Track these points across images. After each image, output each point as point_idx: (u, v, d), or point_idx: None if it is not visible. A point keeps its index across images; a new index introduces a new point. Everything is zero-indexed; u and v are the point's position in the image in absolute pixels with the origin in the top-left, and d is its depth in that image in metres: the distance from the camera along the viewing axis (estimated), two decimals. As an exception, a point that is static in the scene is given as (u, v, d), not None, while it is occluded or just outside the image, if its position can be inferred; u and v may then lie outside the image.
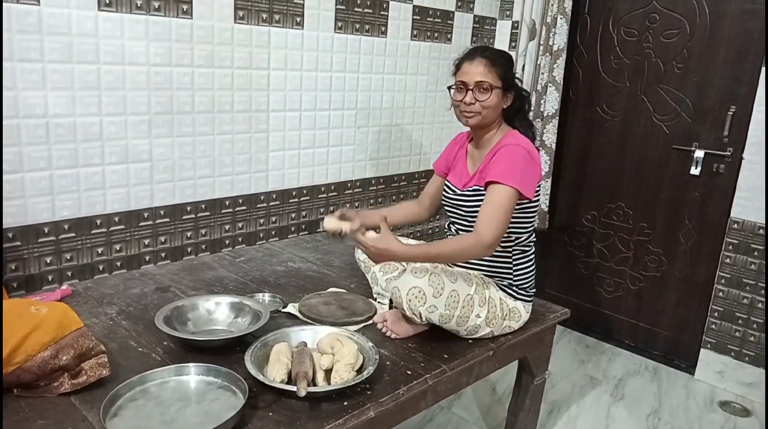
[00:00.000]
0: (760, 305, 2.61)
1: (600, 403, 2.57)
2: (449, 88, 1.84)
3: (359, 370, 1.47)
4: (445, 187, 1.96)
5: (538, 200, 1.82)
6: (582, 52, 3.09)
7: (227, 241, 2.40)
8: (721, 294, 2.72)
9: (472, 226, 1.79)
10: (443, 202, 1.96)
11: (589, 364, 2.91)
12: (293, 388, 1.33)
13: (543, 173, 3.08)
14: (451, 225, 1.94)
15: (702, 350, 2.81)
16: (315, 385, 1.41)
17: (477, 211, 1.74)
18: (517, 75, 1.89)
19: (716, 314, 2.75)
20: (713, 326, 2.76)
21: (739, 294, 2.67)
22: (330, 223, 1.75)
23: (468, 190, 1.83)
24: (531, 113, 1.94)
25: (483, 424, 2.35)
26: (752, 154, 2.56)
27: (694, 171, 2.79)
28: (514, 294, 1.81)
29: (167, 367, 1.41)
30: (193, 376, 1.41)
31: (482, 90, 1.75)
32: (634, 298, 3.09)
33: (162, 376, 1.39)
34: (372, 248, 1.65)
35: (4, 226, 1.83)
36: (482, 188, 1.76)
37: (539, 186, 1.80)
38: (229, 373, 1.40)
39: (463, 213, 1.84)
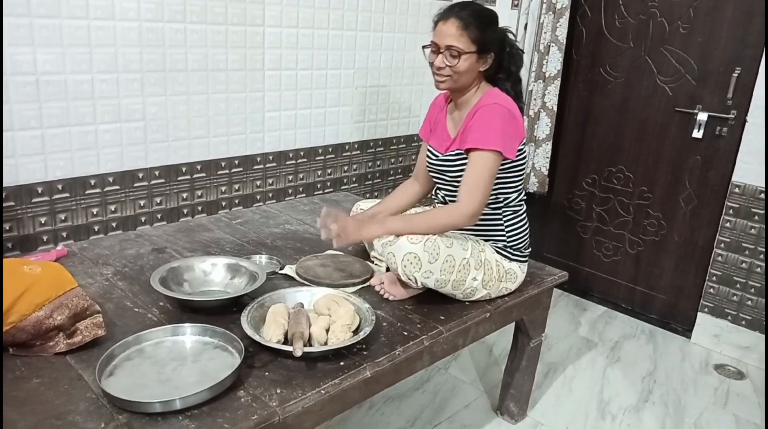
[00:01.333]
0: (758, 270, 2.61)
1: (596, 365, 2.59)
2: (424, 47, 1.75)
3: (356, 331, 1.47)
4: (428, 152, 1.89)
5: (524, 159, 1.78)
6: (586, 11, 3.02)
7: (224, 203, 2.38)
8: (720, 258, 2.72)
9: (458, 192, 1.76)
10: (428, 168, 1.89)
11: (585, 327, 2.93)
12: (289, 348, 1.32)
13: (544, 136, 3.04)
14: (438, 191, 1.91)
15: (699, 314, 2.82)
16: (311, 345, 1.41)
17: (462, 177, 1.72)
18: (509, 30, 1.78)
19: (714, 278, 2.75)
20: (711, 290, 2.77)
21: (738, 258, 2.66)
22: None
23: (450, 155, 1.77)
24: (522, 72, 1.82)
25: (479, 385, 2.37)
26: (756, 116, 2.52)
27: (697, 134, 2.75)
28: (509, 255, 1.80)
29: (163, 327, 1.41)
30: (189, 336, 1.41)
31: (452, 55, 1.67)
32: (632, 262, 3.09)
33: (158, 336, 1.39)
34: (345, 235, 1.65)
35: (-4, 186, 1.81)
36: (464, 152, 1.72)
37: (524, 144, 1.76)
38: (225, 333, 1.39)
39: (449, 178, 1.79)
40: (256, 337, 1.37)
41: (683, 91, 2.78)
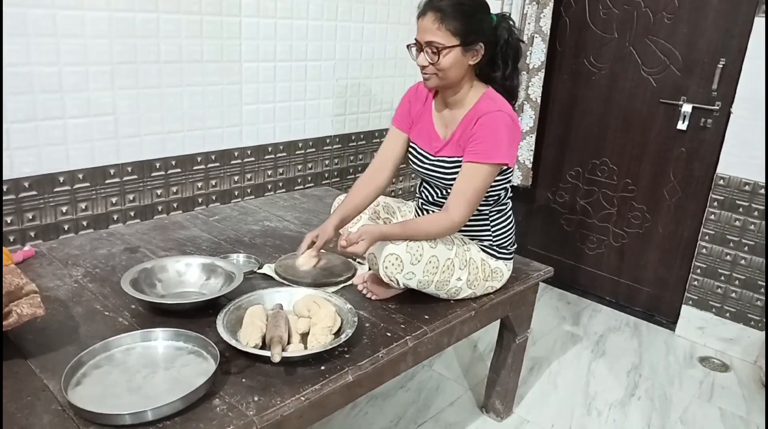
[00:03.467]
0: (743, 262, 2.60)
1: (580, 359, 2.57)
2: (408, 46, 1.65)
3: (337, 333, 1.42)
4: (412, 151, 1.80)
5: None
6: (569, 2, 2.97)
7: (200, 200, 2.31)
8: (704, 250, 2.70)
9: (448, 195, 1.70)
10: (415, 168, 1.79)
11: (570, 321, 2.91)
12: (267, 354, 1.27)
13: (528, 128, 3.00)
14: (423, 190, 1.81)
15: (683, 306, 2.81)
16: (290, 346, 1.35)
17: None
18: (506, 16, 1.66)
19: (699, 271, 2.73)
20: (695, 283, 2.76)
21: (723, 250, 2.65)
22: (306, 262, 1.61)
23: (445, 159, 1.69)
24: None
25: (464, 381, 2.33)
26: (741, 108, 2.50)
27: (681, 126, 2.73)
28: (495, 253, 1.75)
29: (133, 332, 1.34)
30: (161, 341, 1.35)
31: (433, 52, 1.56)
32: (616, 255, 3.07)
33: (127, 341, 1.32)
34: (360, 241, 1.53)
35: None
36: (461, 159, 1.63)
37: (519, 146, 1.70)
38: (199, 338, 1.33)
39: (443, 183, 1.71)
40: (232, 342, 1.31)
41: (668, 82, 2.75)
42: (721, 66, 2.57)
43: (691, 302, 2.79)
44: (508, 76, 1.67)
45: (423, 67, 1.62)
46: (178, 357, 1.32)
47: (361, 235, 1.51)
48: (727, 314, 2.68)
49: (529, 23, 2.87)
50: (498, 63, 1.65)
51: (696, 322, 2.78)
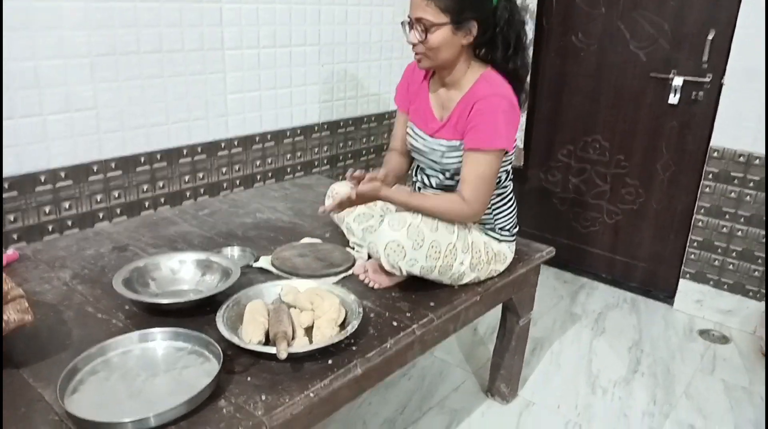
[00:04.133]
0: (739, 233, 2.59)
1: (581, 338, 2.55)
2: (402, 24, 1.58)
3: (342, 326, 1.37)
4: (410, 130, 1.75)
5: (516, 144, 1.69)
6: (555, -23, 2.92)
7: (188, 194, 2.24)
8: (700, 224, 2.69)
9: (448, 180, 1.67)
10: (410, 148, 1.76)
11: (568, 300, 2.89)
12: (272, 350, 1.22)
13: (518, 108, 2.96)
14: (419, 172, 1.77)
15: (681, 280, 2.81)
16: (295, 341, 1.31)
17: (455, 165, 1.62)
18: None
19: (695, 244, 2.72)
20: (692, 256, 2.75)
21: (719, 223, 2.64)
22: (342, 188, 1.71)
23: (442, 142, 1.64)
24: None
25: (467, 366, 2.31)
26: (733, 79, 2.48)
27: (672, 100, 2.70)
28: (498, 236, 1.71)
29: (130, 333, 1.28)
30: (159, 342, 1.29)
31: (421, 30, 1.51)
32: (610, 232, 3.05)
33: (124, 344, 1.27)
34: (365, 194, 1.55)
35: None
36: (459, 143, 1.60)
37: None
38: (200, 337, 1.28)
39: (438, 167, 1.67)
40: (235, 339, 1.26)
41: (658, 56, 2.72)
42: (710, 37, 2.54)
43: (688, 276, 2.78)
44: (510, 57, 1.59)
45: (413, 45, 1.56)
46: (179, 358, 1.26)
47: (370, 188, 1.53)
48: (725, 286, 2.68)
49: (524, 10, 2.81)
50: (498, 44, 1.58)
51: (694, 296, 2.77)
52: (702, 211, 2.67)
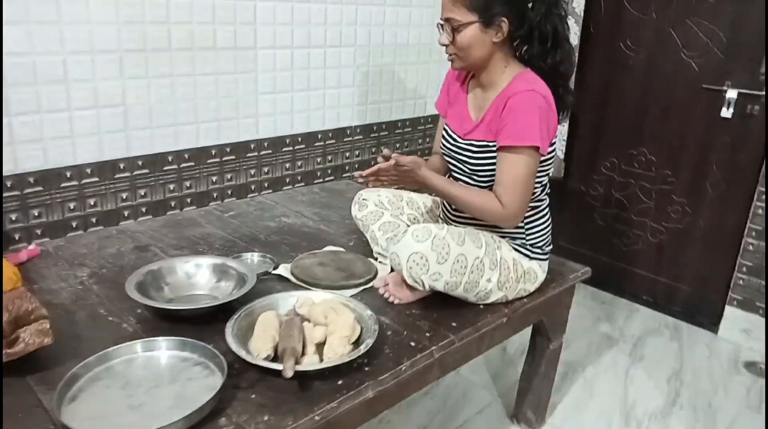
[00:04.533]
0: (794, 260, 2.42)
1: (618, 364, 2.41)
2: (438, 26, 1.54)
3: (356, 343, 1.30)
4: (444, 133, 1.70)
5: (553, 151, 1.59)
6: (605, -19, 2.79)
7: (215, 195, 2.20)
8: (750, 247, 2.52)
9: (476, 185, 1.58)
10: (443, 151, 1.70)
11: (605, 322, 2.75)
12: (279, 367, 1.15)
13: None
14: (449, 178, 1.69)
15: (727, 307, 2.64)
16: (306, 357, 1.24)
17: (485, 170, 1.55)
18: None
19: (744, 269, 2.55)
20: (740, 282, 2.57)
21: (772, 248, 2.47)
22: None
23: (473, 143, 1.57)
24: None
25: (493, 389, 2.20)
26: (794, 93, 2.31)
27: (725, 113, 2.54)
28: (529, 253, 1.61)
29: (133, 342, 1.23)
30: (164, 351, 1.24)
31: (449, 30, 1.47)
32: (654, 251, 2.90)
33: (129, 351, 1.22)
34: (405, 166, 1.48)
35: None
36: (491, 144, 1.52)
37: (555, 136, 1.56)
38: (206, 348, 1.22)
39: (468, 169, 1.59)
40: (242, 354, 1.20)
41: (711, 66, 2.56)
42: (771, 48, 2.38)
43: (735, 302, 2.61)
44: (548, 52, 1.50)
45: (444, 47, 1.52)
46: (184, 369, 1.21)
47: (411, 161, 1.48)
48: (764, 316, 2.50)
49: (565, 2, 2.69)
50: (534, 39, 1.50)
51: (741, 324, 2.60)
52: (753, 233, 2.50)
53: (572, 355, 2.43)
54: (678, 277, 2.84)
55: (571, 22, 2.69)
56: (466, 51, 1.49)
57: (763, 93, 2.43)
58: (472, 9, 1.43)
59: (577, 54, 2.75)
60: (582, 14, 2.69)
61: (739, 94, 2.50)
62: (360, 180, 1.57)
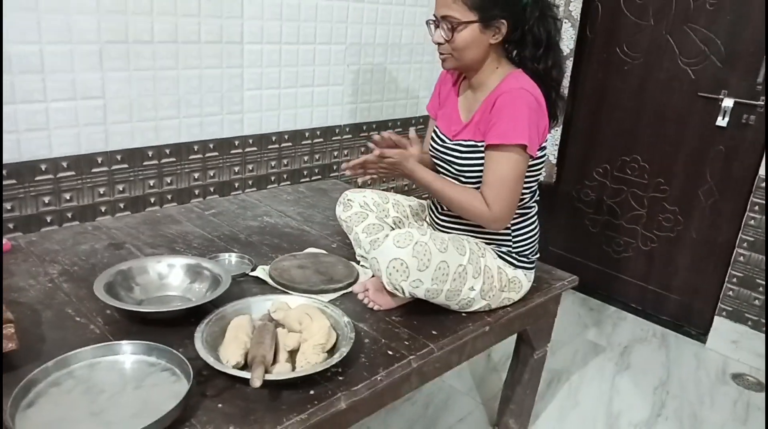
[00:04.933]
0: (785, 272, 2.39)
1: (604, 372, 2.38)
2: (428, 22, 1.51)
3: (332, 351, 1.25)
4: (433, 134, 1.67)
5: (544, 156, 1.56)
6: (602, -15, 2.75)
7: (197, 191, 2.15)
8: (741, 258, 2.49)
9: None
10: (431, 153, 1.66)
11: (592, 329, 2.71)
12: (248, 375, 1.11)
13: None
14: None
15: (716, 317, 2.60)
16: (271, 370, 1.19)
17: (473, 171, 1.50)
18: None
19: (735, 280, 2.52)
20: (730, 292, 2.54)
21: (762, 259, 2.43)
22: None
23: (461, 143, 1.53)
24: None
25: (476, 395, 2.16)
26: (790, 103, 2.28)
27: (721, 122, 2.51)
28: (514, 261, 1.57)
29: (98, 345, 1.18)
30: (129, 355, 1.19)
31: (447, 28, 1.43)
32: (644, 259, 2.86)
33: (91, 355, 1.17)
34: (391, 157, 1.47)
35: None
36: (479, 144, 1.49)
37: (546, 140, 1.52)
38: (173, 354, 1.17)
39: (455, 171, 1.55)
40: (210, 360, 1.15)
41: (707, 74, 2.53)
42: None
43: (724, 313, 2.58)
44: (540, 56, 1.48)
45: (438, 45, 1.47)
46: (149, 374, 1.16)
47: (398, 153, 1.47)
48: (764, 328, 2.47)
49: (557, 7, 2.65)
50: (527, 42, 1.47)
51: (729, 335, 2.57)
52: (745, 244, 2.47)
53: (558, 362, 2.39)
54: (667, 285, 2.80)
55: (567, 26, 2.65)
56: (462, 51, 1.45)
57: (760, 103, 2.40)
58: (472, 8, 1.40)
59: (573, 58, 2.71)
60: (579, 18, 2.65)
61: (736, 103, 2.46)
62: (348, 172, 1.53)
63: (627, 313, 2.88)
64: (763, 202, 2.39)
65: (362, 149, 2.66)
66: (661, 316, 2.83)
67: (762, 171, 2.37)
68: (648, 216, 2.81)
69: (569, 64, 2.70)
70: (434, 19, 1.47)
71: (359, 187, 1.84)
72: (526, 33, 1.47)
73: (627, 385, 2.31)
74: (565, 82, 2.72)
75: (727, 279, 2.55)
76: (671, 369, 2.45)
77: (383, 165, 1.50)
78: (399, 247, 1.36)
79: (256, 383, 1.07)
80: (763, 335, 2.47)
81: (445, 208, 1.63)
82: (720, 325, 2.59)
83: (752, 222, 2.44)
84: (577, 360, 2.45)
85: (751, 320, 2.50)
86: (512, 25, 1.45)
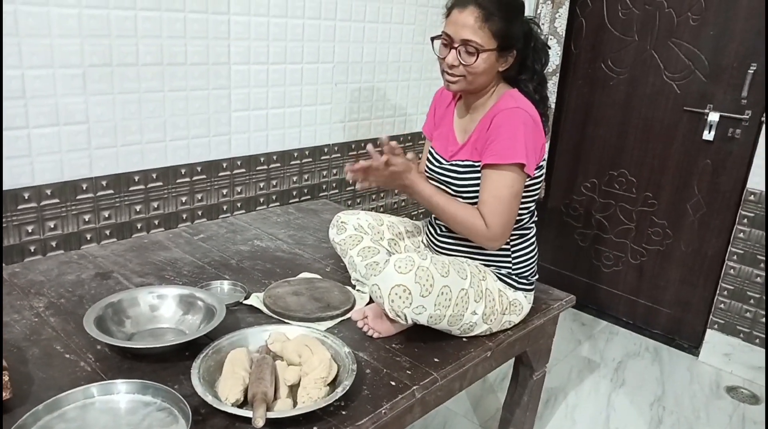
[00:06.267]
0: (776, 285, 2.40)
1: (599, 390, 2.36)
2: (433, 39, 1.52)
3: (333, 383, 1.21)
4: (429, 156, 1.66)
5: (541, 176, 1.55)
6: (586, 1, 2.77)
7: (184, 216, 2.10)
8: (732, 271, 2.50)
9: None
10: (427, 174, 1.64)
11: (585, 345, 2.70)
12: (249, 414, 1.06)
13: (540, 137, 2.80)
14: None
15: (708, 330, 2.61)
16: (274, 406, 1.15)
17: (470, 191, 1.49)
18: (533, 21, 1.54)
19: (726, 292, 2.53)
20: (722, 305, 2.55)
21: (752, 271, 2.45)
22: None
23: (458, 164, 1.53)
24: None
25: (474, 417, 2.13)
26: (775, 117, 2.30)
27: (707, 136, 2.53)
28: (514, 284, 1.55)
29: (90, 385, 1.13)
30: (123, 395, 1.14)
31: (468, 52, 1.42)
32: (634, 273, 2.87)
33: (83, 396, 1.12)
34: (395, 166, 1.43)
35: None
36: (477, 164, 1.48)
37: (544, 160, 1.51)
38: (169, 392, 1.12)
39: (452, 192, 1.54)
40: (208, 398, 1.11)
41: (693, 88, 2.55)
42: (752, 71, 2.37)
43: (716, 326, 2.58)
44: (536, 87, 1.53)
45: (451, 67, 1.46)
46: (145, 415, 1.11)
47: (402, 162, 1.44)
48: (757, 340, 2.48)
49: (543, 24, 2.66)
50: (526, 70, 1.53)
51: (722, 348, 2.57)
52: (735, 257, 2.48)
53: (554, 380, 2.37)
54: (658, 299, 2.81)
55: (553, 42, 2.66)
56: (477, 76, 1.45)
57: (744, 117, 2.42)
58: (495, 36, 1.41)
59: (559, 74, 2.72)
60: (564, 34, 2.66)
61: (721, 116, 2.49)
62: (349, 175, 1.49)
63: (619, 328, 2.88)
64: (752, 215, 2.40)
65: (350, 181, 2.62)
66: (653, 330, 2.83)
67: (750, 184, 2.39)
68: (637, 230, 2.82)
69: (555, 80, 2.71)
70: (446, 38, 1.45)
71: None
72: (525, 59, 1.52)
73: (623, 402, 2.29)
74: (552, 97, 2.73)
75: (717, 292, 2.56)
76: (666, 383, 2.44)
77: (386, 173, 1.46)
78: (401, 273, 1.33)
79: (259, 423, 1.03)
80: (756, 347, 2.48)
81: (444, 230, 1.61)
82: (712, 338, 2.60)
83: (741, 235, 2.45)
84: (572, 377, 2.43)
85: (743, 333, 2.51)
86: (520, 55, 1.49)
